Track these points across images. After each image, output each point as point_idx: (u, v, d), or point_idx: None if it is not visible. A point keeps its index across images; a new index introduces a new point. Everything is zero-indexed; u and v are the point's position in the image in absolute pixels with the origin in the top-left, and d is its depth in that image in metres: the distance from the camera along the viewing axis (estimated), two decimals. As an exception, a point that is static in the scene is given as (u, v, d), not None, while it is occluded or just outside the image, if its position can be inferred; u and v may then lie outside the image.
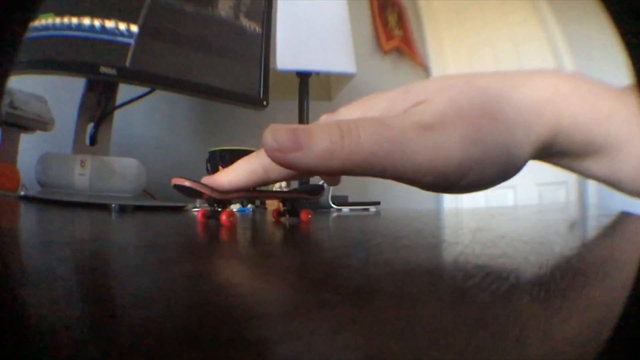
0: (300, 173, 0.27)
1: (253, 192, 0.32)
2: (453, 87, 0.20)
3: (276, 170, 0.26)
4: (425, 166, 0.18)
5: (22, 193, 0.51)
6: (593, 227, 0.38)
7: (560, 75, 0.23)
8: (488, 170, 0.19)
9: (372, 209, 0.72)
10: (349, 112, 0.23)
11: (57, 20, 0.57)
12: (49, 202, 0.50)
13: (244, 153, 0.78)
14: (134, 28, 0.61)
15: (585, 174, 0.25)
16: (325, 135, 0.17)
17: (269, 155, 0.17)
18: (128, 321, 0.09)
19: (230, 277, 0.14)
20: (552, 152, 0.23)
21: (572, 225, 0.39)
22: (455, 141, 0.18)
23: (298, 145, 0.17)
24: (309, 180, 0.71)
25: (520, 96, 0.21)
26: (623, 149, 0.23)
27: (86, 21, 0.58)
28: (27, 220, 0.35)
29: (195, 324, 0.09)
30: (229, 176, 0.28)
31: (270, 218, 0.43)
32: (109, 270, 0.15)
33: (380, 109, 0.21)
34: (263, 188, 0.32)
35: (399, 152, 0.17)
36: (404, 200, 1.54)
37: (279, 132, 0.17)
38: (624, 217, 0.42)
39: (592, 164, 0.24)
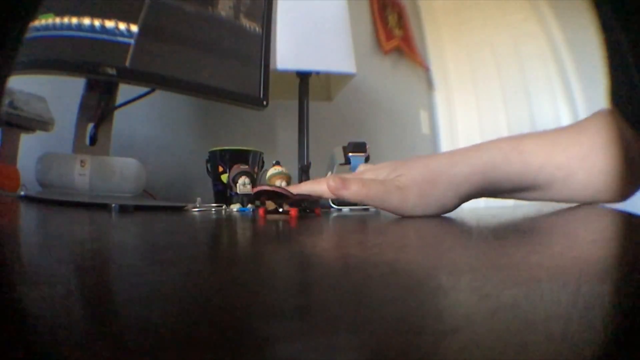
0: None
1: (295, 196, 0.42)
2: (416, 168, 0.37)
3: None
4: (396, 207, 0.37)
5: (22, 193, 0.51)
6: (593, 228, 0.38)
7: (500, 148, 0.36)
8: (429, 210, 0.37)
9: (372, 209, 0.72)
10: (367, 174, 0.41)
11: (57, 20, 0.57)
12: (49, 202, 0.50)
13: (244, 153, 0.79)
14: (134, 28, 0.61)
15: (521, 199, 0.39)
16: (355, 186, 0.37)
17: (332, 191, 0.37)
18: (136, 321, 0.09)
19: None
20: (484, 194, 0.37)
21: (572, 226, 0.39)
22: (411, 197, 0.36)
23: (343, 188, 0.37)
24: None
25: (455, 171, 0.36)
26: (554, 186, 0.35)
27: (86, 21, 0.58)
28: (27, 220, 0.35)
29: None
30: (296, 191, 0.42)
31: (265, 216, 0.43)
32: (112, 271, 0.15)
33: (384, 174, 0.39)
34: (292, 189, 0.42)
35: (387, 198, 0.37)
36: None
37: (336, 180, 0.37)
38: (624, 217, 0.42)
39: (526, 195, 0.37)
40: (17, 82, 0.58)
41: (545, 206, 0.42)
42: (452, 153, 0.38)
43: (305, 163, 0.86)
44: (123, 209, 0.46)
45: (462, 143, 1.99)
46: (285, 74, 0.87)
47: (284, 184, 0.68)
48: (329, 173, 0.71)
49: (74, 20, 0.57)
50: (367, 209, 0.70)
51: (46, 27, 0.56)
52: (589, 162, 0.34)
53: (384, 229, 0.33)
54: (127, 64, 0.60)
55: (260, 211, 0.41)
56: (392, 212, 0.38)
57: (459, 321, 0.09)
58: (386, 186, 0.36)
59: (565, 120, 1.79)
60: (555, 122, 1.83)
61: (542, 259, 0.17)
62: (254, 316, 0.09)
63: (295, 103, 0.92)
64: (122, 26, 0.60)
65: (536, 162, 0.34)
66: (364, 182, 0.37)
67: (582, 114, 1.79)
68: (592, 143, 0.34)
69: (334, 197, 0.40)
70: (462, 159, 0.36)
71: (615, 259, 0.18)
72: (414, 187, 0.36)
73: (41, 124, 0.59)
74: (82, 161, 0.59)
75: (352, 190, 0.36)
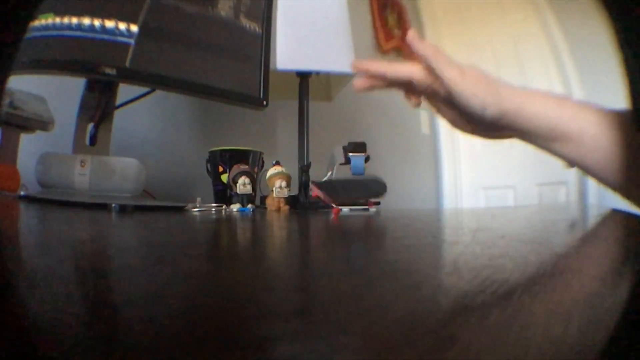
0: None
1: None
2: (480, 71, 0.39)
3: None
4: (447, 89, 0.38)
5: (22, 193, 0.51)
6: (593, 227, 0.38)
7: (533, 94, 0.38)
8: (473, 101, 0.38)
9: (372, 209, 0.72)
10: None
11: (57, 20, 0.57)
12: (49, 202, 0.50)
13: (244, 153, 0.79)
14: (134, 28, 0.61)
15: (556, 154, 0.38)
16: (426, 46, 0.38)
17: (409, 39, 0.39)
18: (139, 319, 0.09)
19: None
20: (518, 128, 0.37)
21: (571, 225, 0.39)
22: (468, 79, 0.38)
23: (437, 56, 0.38)
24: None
25: (506, 92, 0.38)
26: (586, 140, 0.35)
27: (86, 21, 0.58)
28: (27, 220, 0.35)
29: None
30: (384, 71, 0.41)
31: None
32: (112, 270, 0.15)
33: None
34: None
35: (452, 66, 0.38)
36: (404, 200, 1.54)
37: (429, 47, 0.38)
38: (624, 217, 0.42)
39: (560, 147, 0.37)
40: (17, 82, 0.58)
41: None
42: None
43: (305, 163, 0.86)
44: (123, 209, 0.46)
45: (462, 143, 1.99)
46: (285, 74, 0.87)
47: (283, 184, 0.68)
48: (329, 173, 0.71)
49: (74, 20, 0.57)
50: (367, 209, 0.70)
51: (46, 27, 0.56)
52: (600, 126, 0.35)
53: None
54: (127, 64, 0.60)
55: (335, 211, 0.48)
56: (449, 85, 0.38)
57: None
58: (454, 64, 0.39)
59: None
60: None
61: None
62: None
63: (295, 103, 0.92)
64: (122, 26, 0.60)
65: (569, 109, 0.37)
66: (439, 51, 0.39)
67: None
68: (604, 114, 0.36)
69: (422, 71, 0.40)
70: (520, 89, 0.39)
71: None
72: (471, 77, 0.38)
73: (41, 124, 0.59)
74: (82, 161, 0.59)
75: (424, 46, 0.38)
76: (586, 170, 0.38)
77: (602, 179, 0.37)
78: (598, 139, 0.35)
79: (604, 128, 0.35)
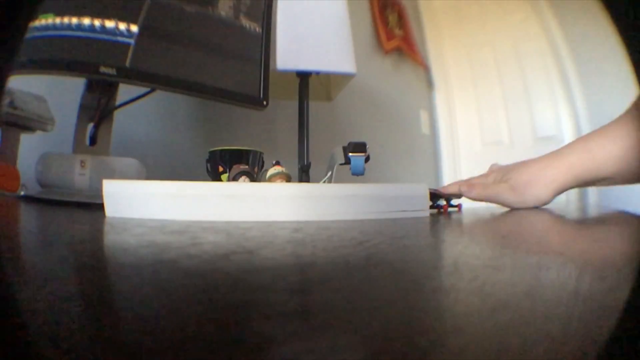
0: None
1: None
2: (520, 172, 0.51)
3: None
4: (509, 202, 0.51)
5: (22, 193, 0.51)
6: (593, 227, 0.38)
7: (574, 149, 0.49)
8: (529, 204, 0.50)
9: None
10: (489, 177, 0.56)
11: (57, 20, 0.57)
12: (49, 202, 0.50)
13: (244, 153, 0.79)
14: (134, 28, 0.61)
15: (604, 186, 0.49)
16: (475, 191, 0.53)
17: (462, 192, 0.54)
18: (135, 320, 0.09)
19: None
20: (574, 187, 0.50)
21: (572, 225, 0.39)
22: (517, 194, 0.50)
23: (469, 191, 0.53)
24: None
25: (547, 173, 0.49)
26: (619, 172, 0.45)
27: (86, 21, 0.58)
28: (27, 220, 0.35)
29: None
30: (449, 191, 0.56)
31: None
32: (112, 270, 0.15)
33: (498, 177, 0.54)
34: None
35: (501, 196, 0.52)
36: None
37: (464, 185, 0.54)
38: (623, 217, 0.42)
39: (605, 183, 0.47)
40: (17, 82, 0.58)
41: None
42: (546, 157, 0.50)
43: (305, 163, 0.86)
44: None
45: (462, 143, 1.98)
46: (285, 74, 0.87)
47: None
48: (329, 173, 0.71)
49: (74, 20, 0.57)
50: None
51: (46, 27, 0.56)
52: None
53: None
54: (127, 64, 0.60)
55: (445, 207, 0.56)
56: (504, 205, 0.52)
57: None
58: (500, 188, 0.52)
59: (565, 120, 1.79)
60: (555, 122, 1.83)
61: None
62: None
63: (295, 103, 0.92)
64: (122, 26, 0.60)
65: (601, 156, 0.44)
66: (484, 186, 0.53)
67: (582, 114, 1.79)
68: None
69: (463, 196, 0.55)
70: (550, 163, 0.49)
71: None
72: (519, 187, 0.50)
73: (41, 124, 0.59)
74: (82, 161, 0.59)
75: (475, 193, 0.53)
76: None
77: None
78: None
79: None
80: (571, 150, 0.48)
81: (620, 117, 0.45)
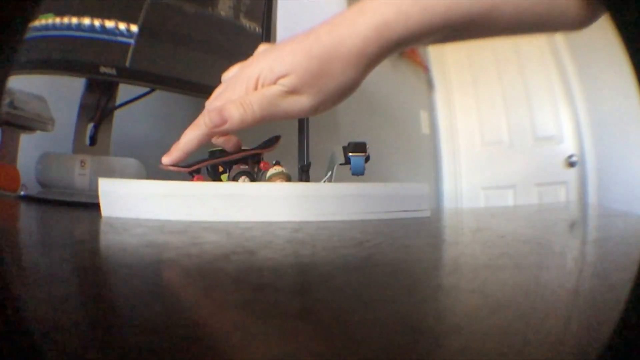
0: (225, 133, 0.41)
1: (215, 159, 0.42)
2: (298, 62, 0.30)
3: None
4: (291, 112, 0.32)
5: (22, 193, 0.51)
6: (593, 228, 0.38)
7: (390, 4, 0.29)
8: (329, 103, 0.32)
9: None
10: (240, 73, 0.34)
11: (57, 20, 0.57)
12: (49, 202, 0.50)
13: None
14: (134, 28, 0.61)
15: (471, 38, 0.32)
16: (236, 112, 0.32)
17: (212, 129, 0.34)
18: (131, 320, 0.09)
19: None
20: (397, 51, 0.32)
21: (572, 225, 0.39)
22: (305, 99, 0.31)
23: (225, 121, 0.32)
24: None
25: (345, 50, 0.30)
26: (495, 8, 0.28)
27: (86, 21, 0.58)
28: (27, 220, 0.35)
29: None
30: (185, 147, 0.40)
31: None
32: (112, 270, 0.15)
33: (255, 74, 0.32)
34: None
35: (276, 107, 0.31)
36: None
37: (211, 115, 0.33)
38: (623, 217, 0.42)
39: (465, 34, 0.31)
40: (17, 82, 0.58)
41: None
42: (331, 25, 0.30)
43: (305, 163, 0.86)
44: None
45: (462, 143, 1.99)
46: (285, 74, 0.87)
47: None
48: (329, 173, 0.71)
49: (74, 20, 0.57)
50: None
51: (46, 27, 0.56)
52: None
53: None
54: (127, 64, 0.60)
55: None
56: (295, 117, 0.36)
57: None
58: (272, 97, 0.31)
59: (566, 120, 1.79)
60: (556, 122, 1.83)
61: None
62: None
63: (295, 103, 0.92)
64: (122, 26, 0.60)
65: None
66: (244, 103, 0.31)
67: (582, 114, 1.79)
68: None
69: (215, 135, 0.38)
70: (346, 32, 0.29)
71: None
72: (305, 87, 0.30)
73: (41, 124, 0.59)
74: (82, 161, 0.59)
75: (236, 120, 0.32)
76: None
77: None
78: None
79: None
80: (381, 4, 0.29)
81: None
